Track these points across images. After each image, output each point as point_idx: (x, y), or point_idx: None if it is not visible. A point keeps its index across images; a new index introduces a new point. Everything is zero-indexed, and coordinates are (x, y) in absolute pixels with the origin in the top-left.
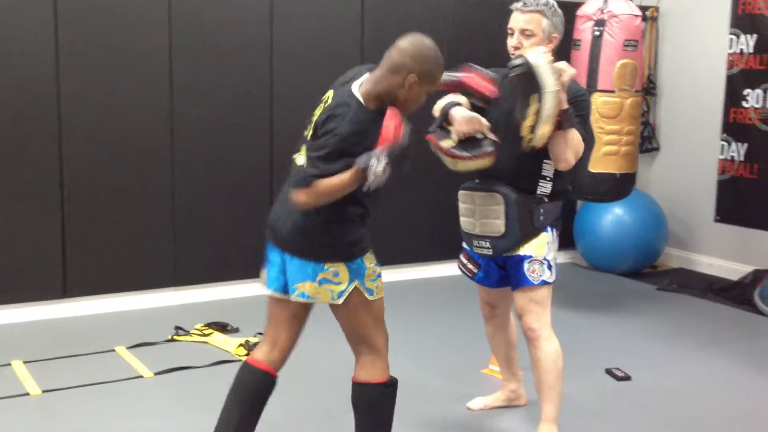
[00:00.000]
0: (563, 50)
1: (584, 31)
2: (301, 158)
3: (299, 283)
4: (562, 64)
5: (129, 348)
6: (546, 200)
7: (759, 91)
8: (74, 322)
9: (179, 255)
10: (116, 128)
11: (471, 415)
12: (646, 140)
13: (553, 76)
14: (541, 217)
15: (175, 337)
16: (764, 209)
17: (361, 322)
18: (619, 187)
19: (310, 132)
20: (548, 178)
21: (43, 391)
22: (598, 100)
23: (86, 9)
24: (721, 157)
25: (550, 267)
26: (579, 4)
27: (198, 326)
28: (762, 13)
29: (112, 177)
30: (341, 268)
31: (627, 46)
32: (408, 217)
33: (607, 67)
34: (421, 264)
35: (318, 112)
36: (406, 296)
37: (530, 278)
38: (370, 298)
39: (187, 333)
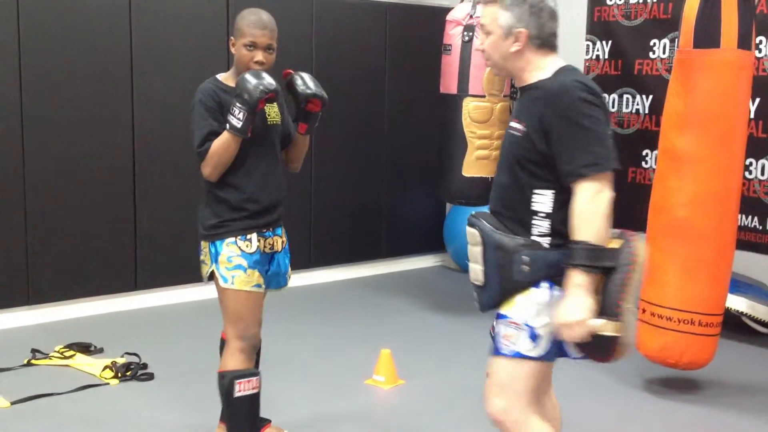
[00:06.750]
0: (434, 55)
1: (454, 36)
2: None
3: None
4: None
5: None
6: (543, 245)
7: (614, 96)
8: None
9: (33, 269)
10: None
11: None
12: None
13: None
14: (524, 267)
15: (33, 361)
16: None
17: (221, 305)
18: (490, 190)
19: None
20: (542, 215)
21: None
22: (469, 105)
23: None
24: None
25: (534, 337)
26: (449, 9)
27: (58, 348)
28: (616, 20)
29: None
30: (205, 249)
31: None
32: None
33: (477, 72)
34: (300, 271)
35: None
36: (287, 304)
37: (500, 345)
38: (223, 285)
39: (46, 356)
